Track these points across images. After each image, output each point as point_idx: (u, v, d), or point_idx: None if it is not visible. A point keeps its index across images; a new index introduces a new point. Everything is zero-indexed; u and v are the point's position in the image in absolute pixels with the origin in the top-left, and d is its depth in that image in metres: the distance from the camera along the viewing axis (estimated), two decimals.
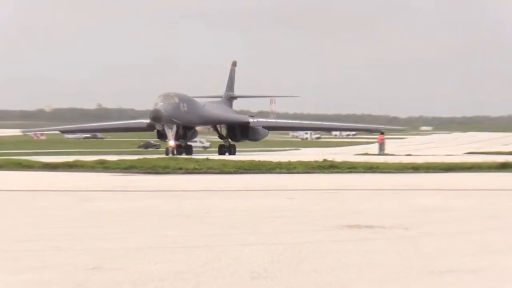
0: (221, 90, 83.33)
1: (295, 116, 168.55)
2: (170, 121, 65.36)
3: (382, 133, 67.16)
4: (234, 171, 34.14)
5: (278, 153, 69.99)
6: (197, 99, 74.52)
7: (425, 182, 28.68)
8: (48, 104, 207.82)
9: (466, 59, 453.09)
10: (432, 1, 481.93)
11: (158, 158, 44.60)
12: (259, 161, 37.41)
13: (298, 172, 33.86)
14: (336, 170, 34.46)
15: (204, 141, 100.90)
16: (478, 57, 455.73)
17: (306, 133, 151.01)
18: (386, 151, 61.54)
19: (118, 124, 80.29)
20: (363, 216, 17.16)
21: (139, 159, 41.39)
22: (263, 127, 77.40)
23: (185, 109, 67.15)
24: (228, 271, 10.60)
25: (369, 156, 50.80)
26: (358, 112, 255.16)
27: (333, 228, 15.12)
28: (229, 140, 76.36)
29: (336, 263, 11.24)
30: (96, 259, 11.37)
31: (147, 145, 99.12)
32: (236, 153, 70.64)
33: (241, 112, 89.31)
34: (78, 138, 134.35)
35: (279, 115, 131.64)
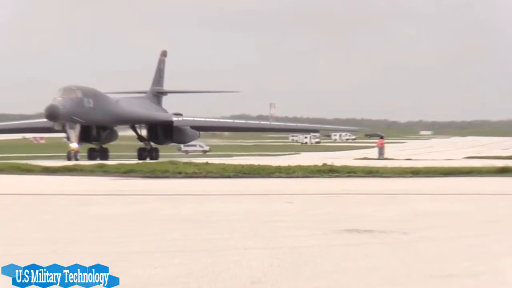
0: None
1: (294, 120, 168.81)
2: (70, 120, 56.65)
3: (381, 138, 67.11)
4: (233, 175, 34.11)
5: (275, 158, 69.89)
6: (120, 95, 65.72)
7: (425, 187, 28.65)
8: None
9: (465, 64, 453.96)
10: (432, 7, 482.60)
11: (158, 162, 44.61)
12: (258, 165, 37.39)
13: (298, 177, 33.81)
14: (336, 174, 34.42)
15: (204, 144, 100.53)
16: (477, 62, 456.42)
17: (306, 137, 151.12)
18: (385, 156, 61.53)
19: (20, 123, 71.49)
20: (362, 220, 17.15)
21: (138, 163, 41.43)
22: (192, 127, 68.29)
23: (91, 105, 58.37)
24: (228, 275, 10.59)
25: (368, 161, 50.77)
26: (358, 116, 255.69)
27: (332, 232, 15.10)
28: (151, 142, 67.40)
29: (336, 268, 11.22)
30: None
31: None
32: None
33: (241, 116, 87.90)
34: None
35: (278, 119, 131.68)
